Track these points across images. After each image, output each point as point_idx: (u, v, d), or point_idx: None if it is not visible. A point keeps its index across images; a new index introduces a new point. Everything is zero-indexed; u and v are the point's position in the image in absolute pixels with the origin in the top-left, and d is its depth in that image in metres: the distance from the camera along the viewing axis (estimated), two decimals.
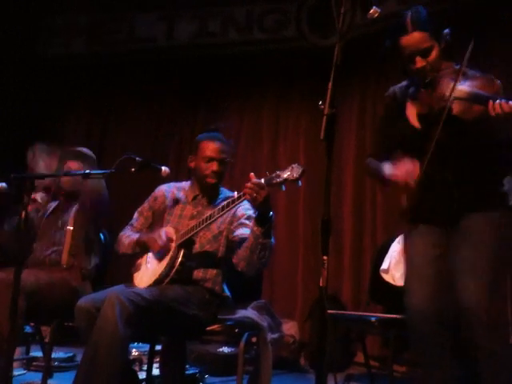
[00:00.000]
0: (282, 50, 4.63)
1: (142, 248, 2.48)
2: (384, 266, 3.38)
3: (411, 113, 2.16)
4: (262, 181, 2.14)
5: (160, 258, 2.40)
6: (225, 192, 2.59)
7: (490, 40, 3.47)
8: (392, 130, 2.20)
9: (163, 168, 2.45)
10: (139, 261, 2.50)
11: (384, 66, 4.30)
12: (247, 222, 2.43)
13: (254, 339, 2.50)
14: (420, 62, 2.07)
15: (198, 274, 2.43)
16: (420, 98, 2.13)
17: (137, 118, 5.10)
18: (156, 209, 2.60)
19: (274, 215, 2.26)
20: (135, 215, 2.65)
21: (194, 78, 4.97)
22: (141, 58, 4.92)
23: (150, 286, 2.34)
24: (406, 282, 2.14)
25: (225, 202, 2.31)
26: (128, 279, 2.48)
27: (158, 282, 2.34)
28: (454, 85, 1.97)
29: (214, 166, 2.48)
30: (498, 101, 1.85)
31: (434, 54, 2.07)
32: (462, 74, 1.99)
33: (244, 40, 4.68)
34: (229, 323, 2.43)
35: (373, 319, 2.98)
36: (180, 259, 2.34)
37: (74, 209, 2.86)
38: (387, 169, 2.10)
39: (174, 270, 2.33)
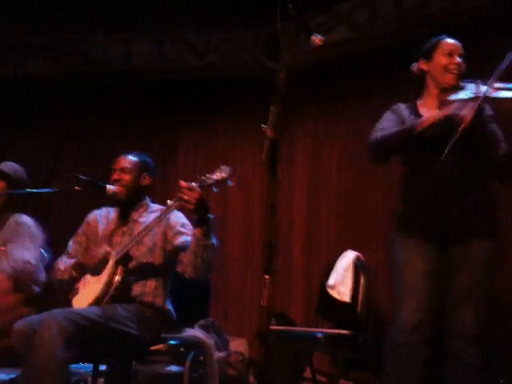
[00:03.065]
0: (237, 76, 4.68)
1: (78, 270, 2.48)
2: (330, 281, 3.46)
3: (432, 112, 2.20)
4: (193, 184, 2.21)
5: (98, 278, 2.39)
6: (155, 206, 2.62)
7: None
8: (395, 124, 2.25)
9: (108, 186, 2.46)
10: (77, 285, 2.49)
11: (338, 90, 4.43)
12: (183, 229, 2.47)
13: (200, 358, 2.50)
14: (459, 60, 2.21)
15: (136, 288, 2.42)
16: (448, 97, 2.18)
17: (91, 143, 5.04)
18: (89, 233, 2.62)
19: (212, 217, 2.31)
20: (70, 243, 2.66)
21: (150, 102, 4.96)
22: (97, 80, 4.87)
23: (89, 305, 2.32)
24: (397, 295, 2.16)
25: (159, 212, 2.35)
26: (67, 305, 2.44)
27: (97, 301, 2.32)
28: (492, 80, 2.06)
29: (114, 176, 2.53)
30: None
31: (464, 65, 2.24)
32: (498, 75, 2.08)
33: (200, 65, 4.71)
34: (174, 342, 2.42)
35: (319, 335, 3.03)
36: (118, 275, 2.34)
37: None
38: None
39: (113, 286, 2.33)
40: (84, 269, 2.45)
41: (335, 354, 3.41)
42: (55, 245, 2.92)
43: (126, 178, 2.53)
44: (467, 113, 2.03)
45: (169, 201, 2.31)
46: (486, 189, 2.19)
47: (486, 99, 2.06)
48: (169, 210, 2.30)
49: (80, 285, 2.48)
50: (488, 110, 2.21)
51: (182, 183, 2.22)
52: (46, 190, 2.32)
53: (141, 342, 2.33)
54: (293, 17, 1.91)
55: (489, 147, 2.16)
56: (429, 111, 2.20)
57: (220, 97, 4.82)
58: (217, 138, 4.92)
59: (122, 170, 2.54)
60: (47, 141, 5.09)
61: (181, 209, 2.38)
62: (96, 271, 2.40)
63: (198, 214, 2.27)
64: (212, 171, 2.22)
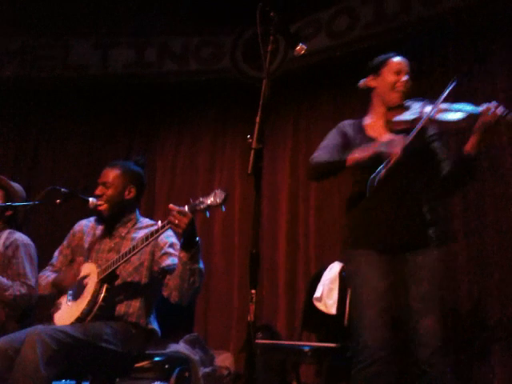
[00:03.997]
0: (217, 81, 4.67)
1: (58, 289, 2.42)
2: (317, 294, 3.43)
3: (378, 132, 2.25)
4: (186, 208, 2.15)
5: (81, 295, 2.33)
6: (144, 221, 2.56)
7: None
8: (339, 146, 2.28)
9: (90, 199, 2.41)
10: (59, 300, 2.43)
11: (316, 99, 4.43)
12: (171, 250, 2.41)
13: (186, 374, 2.45)
14: (406, 79, 2.26)
15: (120, 308, 2.37)
16: (394, 117, 2.23)
17: (69, 148, 4.96)
18: (74, 245, 2.55)
19: (200, 240, 2.26)
20: (55, 254, 2.60)
21: (128, 106, 4.91)
22: (74, 84, 4.81)
23: (72, 323, 2.26)
24: (357, 312, 2.17)
25: (148, 232, 2.28)
26: (47, 320, 2.38)
27: (80, 320, 2.26)
28: (438, 103, 2.12)
29: (97, 190, 2.47)
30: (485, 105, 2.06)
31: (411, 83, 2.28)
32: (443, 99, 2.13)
33: (180, 70, 4.69)
34: (159, 359, 2.38)
35: (306, 348, 3.00)
36: (103, 294, 2.28)
37: None
38: (364, 148, 2.15)
39: (98, 305, 2.27)
40: (65, 286, 2.39)
41: (322, 366, 3.37)
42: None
43: (109, 192, 2.46)
44: (395, 150, 2.06)
45: (159, 222, 2.25)
46: (435, 200, 2.24)
47: (430, 122, 2.12)
48: (158, 232, 2.24)
49: (62, 300, 2.42)
50: (431, 129, 2.26)
51: (172, 206, 2.16)
52: (26, 203, 2.26)
53: (125, 358, 2.28)
54: (275, 24, 1.89)
55: (432, 166, 2.22)
56: (375, 133, 2.25)
57: (199, 102, 4.80)
58: (196, 144, 4.89)
59: (104, 184, 2.47)
60: (24, 144, 4.99)
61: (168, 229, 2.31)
62: (78, 289, 2.34)
63: (187, 238, 2.22)
64: (206, 195, 2.13)
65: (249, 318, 1.64)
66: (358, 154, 2.15)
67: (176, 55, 4.69)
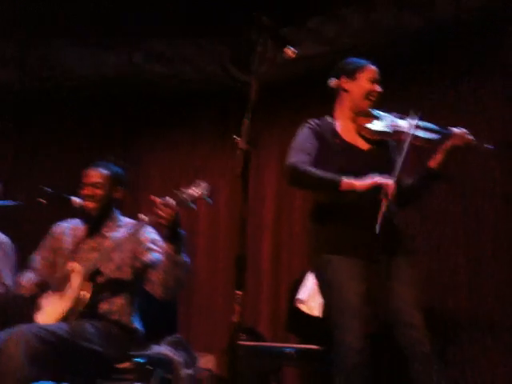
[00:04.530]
0: (206, 85, 4.66)
1: (41, 288, 2.40)
2: (300, 296, 3.43)
3: (352, 137, 2.30)
4: (170, 201, 2.15)
5: (64, 294, 2.32)
6: (125, 220, 2.56)
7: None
8: (316, 149, 2.30)
9: (74, 199, 2.39)
10: (42, 300, 2.41)
11: (303, 105, 4.44)
12: (153, 246, 2.41)
13: (168, 376, 2.44)
14: (380, 90, 2.30)
15: (103, 306, 2.36)
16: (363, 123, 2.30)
17: (51, 152, 4.90)
18: (55, 247, 2.54)
19: (184, 233, 2.26)
20: (34, 257, 2.58)
21: (115, 111, 4.88)
22: (60, 88, 4.76)
23: (56, 321, 2.25)
24: (339, 316, 2.17)
25: (132, 228, 2.28)
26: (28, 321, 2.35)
27: (64, 318, 2.25)
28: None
29: (86, 191, 2.47)
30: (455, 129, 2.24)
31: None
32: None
33: (169, 75, 4.67)
34: (141, 360, 2.36)
35: (289, 351, 3.00)
36: (87, 292, 2.28)
37: None
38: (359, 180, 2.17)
39: (81, 304, 2.27)
40: (47, 286, 2.37)
41: (305, 369, 3.38)
42: (21, 259, 2.83)
43: (99, 192, 2.47)
44: (390, 183, 2.10)
45: (141, 215, 2.25)
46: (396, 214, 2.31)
47: (413, 138, 2.20)
48: (141, 225, 2.24)
49: (43, 300, 2.40)
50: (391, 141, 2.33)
51: (157, 199, 2.16)
52: (10, 202, 2.25)
53: (107, 359, 2.27)
54: (266, 28, 1.90)
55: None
56: (349, 135, 2.29)
57: (187, 107, 4.79)
58: (182, 148, 4.87)
59: (94, 185, 2.46)
60: (19, 151, 4.93)
61: (151, 223, 2.31)
62: (61, 289, 2.32)
63: (171, 230, 2.22)
64: (188, 186, 2.15)
65: (233, 318, 1.64)
66: (356, 183, 2.14)
67: (165, 60, 4.67)
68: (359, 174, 2.15)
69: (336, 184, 2.14)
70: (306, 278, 3.51)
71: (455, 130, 2.22)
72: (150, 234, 2.46)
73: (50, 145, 4.93)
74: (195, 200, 2.13)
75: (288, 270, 4.29)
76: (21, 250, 2.88)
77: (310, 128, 2.34)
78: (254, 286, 4.33)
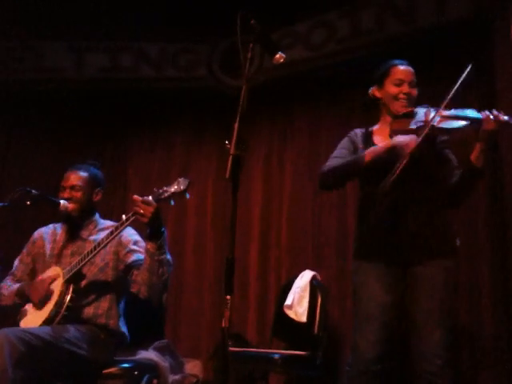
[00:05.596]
0: (193, 89, 4.66)
1: (22, 298, 2.38)
2: (288, 301, 3.44)
3: (383, 140, 2.24)
4: (150, 197, 2.16)
5: (47, 299, 2.30)
6: (105, 223, 2.55)
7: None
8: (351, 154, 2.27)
9: (61, 202, 2.38)
10: (24, 307, 2.39)
11: (291, 110, 4.46)
12: (135, 247, 2.40)
13: (155, 381, 2.42)
14: (408, 89, 2.24)
15: (88, 310, 2.34)
16: (398, 127, 2.22)
17: (39, 152, 4.86)
18: (35, 253, 2.52)
19: (165, 230, 2.26)
20: (15, 263, 2.56)
21: (102, 112, 4.85)
22: (46, 87, 4.72)
23: (40, 326, 2.23)
24: (359, 324, 2.15)
25: (113, 227, 2.27)
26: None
27: (48, 322, 2.23)
28: (441, 108, 2.10)
29: (65, 194, 2.45)
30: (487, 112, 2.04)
31: (416, 90, 2.27)
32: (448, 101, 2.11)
33: (156, 76, 4.66)
34: (127, 365, 2.34)
35: (275, 356, 2.99)
36: (70, 295, 2.26)
37: None
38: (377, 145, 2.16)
39: (65, 306, 2.24)
40: (27, 297, 2.36)
41: (291, 375, 3.37)
42: (5, 261, 2.79)
43: (78, 195, 2.45)
44: (410, 144, 2.07)
45: (123, 216, 2.24)
46: (440, 213, 2.20)
47: (433, 130, 2.10)
48: (123, 225, 2.23)
49: (28, 306, 2.38)
50: (441, 136, 2.24)
51: (136, 197, 2.18)
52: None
53: (93, 364, 2.24)
54: (255, 32, 1.90)
55: (441, 174, 2.21)
56: (381, 140, 2.25)
57: (175, 109, 4.78)
58: (170, 151, 4.86)
59: (73, 187, 2.46)
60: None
61: (133, 223, 2.30)
62: (44, 294, 2.30)
63: (152, 228, 2.22)
64: (169, 184, 2.17)
65: (223, 323, 1.63)
66: (373, 151, 2.14)
67: (152, 61, 4.66)
68: (377, 174, 2.14)
69: (361, 158, 2.16)
70: (294, 284, 3.52)
71: (485, 112, 2.06)
72: (133, 235, 2.45)
73: (25, 145, 4.86)
74: (175, 196, 2.14)
75: (275, 276, 4.29)
76: (6, 252, 2.84)
77: (348, 136, 2.36)
78: (241, 291, 4.32)
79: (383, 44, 3.87)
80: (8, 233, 4.23)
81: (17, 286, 2.43)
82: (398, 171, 2.04)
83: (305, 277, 3.49)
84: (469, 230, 3.48)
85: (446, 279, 2.14)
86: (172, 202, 2.17)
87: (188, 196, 2.15)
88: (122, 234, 2.35)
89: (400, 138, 2.12)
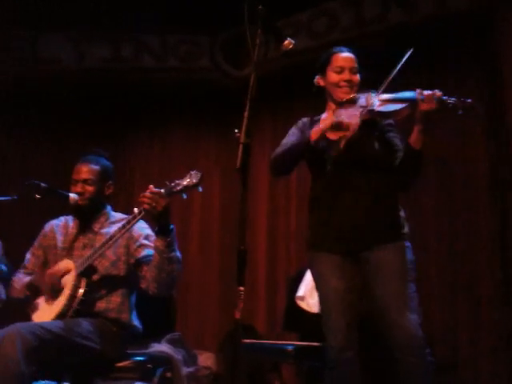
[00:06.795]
0: (195, 79, 4.63)
1: (33, 291, 2.37)
2: (299, 293, 3.41)
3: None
4: (162, 191, 2.13)
5: (60, 292, 2.29)
6: (117, 216, 2.52)
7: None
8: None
9: (71, 195, 2.35)
10: (36, 300, 2.38)
11: (295, 99, 4.43)
12: (146, 241, 2.38)
13: (168, 374, 2.41)
14: (349, 76, 2.24)
15: (100, 304, 2.32)
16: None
17: (39, 152, 4.85)
18: (46, 245, 2.49)
19: (174, 228, 2.24)
20: (27, 256, 2.53)
21: (103, 103, 4.83)
22: (46, 79, 4.70)
23: (52, 319, 2.21)
24: (323, 314, 2.18)
25: (125, 221, 2.25)
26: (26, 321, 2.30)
27: (61, 316, 2.21)
28: (380, 89, 2.13)
29: (77, 188, 2.41)
30: (424, 92, 2.02)
31: (358, 76, 2.27)
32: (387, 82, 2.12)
33: (158, 67, 4.63)
34: (141, 358, 2.32)
35: (288, 348, 2.97)
36: (82, 289, 2.24)
37: None
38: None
39: (77, 300, 2.23)
40: (38, 288, 2.34)
41: (304, 366, 3.35)
42: (14, 255, 2.79)
43: (90, 189, 2.42)
44: (353, 121, 2.07)
45: (135, 209, 2.22)
46: (388, 199, 2.21)
47: (372, 114, 2.12)
48: (135, 218, 2.21)
49: (40, 300, 2.36)
50: (382, 119, 2.25)
51: (152, 187, 2.15)
52: (4, 197, 2.20)
53: (105, 358, 2.23)
54: (261, 18, 1.87)
55: (385, 158, 2.20)
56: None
57: (178, 100, 4.76)
58: (174, 142, 4.84)
59: (86, 181, 2.42)
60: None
61: (144, 218, 2.29)
62: (56, 287, 2.28)
63: (161, 224, 2.20)
64: (181, 177, 2.14)
65: (236, 315, 1.62)
66: (318, 129, 2.14)
67: (153, 52, 4.63)
68: (320, 161, 2.18)
69: (305, 140, 2.17)
70: (305, 274, 3.49)
71: (423, 92, 2.05)
72: (144, 229, 2.42)
73: (25, 137, 4.86)
74: (187, 189, 2.11)
75: (285, 267, 4.28)
76: (16, 246, 2.84)
77: (296, 124, 2.38)
78: (251, 282, 4.31)
79: (387, 33, 3.85)
80: (18, 226, 4.23)
81: (28, 278, 2.42)
82: (345, 140, 2.05)
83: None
84: (470, 230, 3.48)
85: (399, 259, 2.14)
86: (184, 196, 2.14)
87: (201, 189, 2.12)
88: (133, 227, 2.32)
89: (343, 114, 2.12)
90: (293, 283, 3.58)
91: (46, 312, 2.28)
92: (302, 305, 3.35)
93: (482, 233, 3.53)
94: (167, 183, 2.15)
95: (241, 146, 1.69)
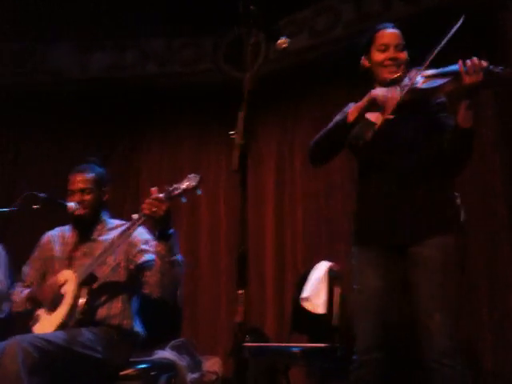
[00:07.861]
0: (199, 83, 4.62)
1: (33, 303, 2.35)
2: (304, 294, 3.39)
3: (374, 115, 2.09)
4: (162, 195, 2.13)
5: (60, 303, 2.26)
6: (114, 222, 2.51)
7: None
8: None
9: (69, 204, 2.34)
10: (37, 312, 2.36)
11: (301, 98, 4.40)
12: (146, 247, 2.37)
13: (173, 381, 2.39)
14: (394, 53, 2.11)
15: (102, 312, 2.31)
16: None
17: (39, 152, 4.84)
18: (44, 257, 2.49)
19: (175, 232, 2.23)
20: (24, 269, 2.53)
21: (110, 110, 4.82)
22: (51, 88, 4.70)
23: (54, 330, 2.20)
24: (355, 313, 2.12)
25: (124, 227, 2.24)
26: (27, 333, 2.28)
27: (62, 326, 2.20)
28: (421, 69, 1.98)
29: (75, 198, 2.40)
30: (467, 61, 1.87)
31: (405, 54, 2.14)
32: (429, 61, 1.98)
33: (162, 72, 4.63)
34: (145, 366, 2.30)
35: (295, 350, 2.95)
36: (83, 298, 2.23)
37: None
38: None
39: (79, 310, 2.21)
40: (39, 301, 2.33)
41: (312, 368, 3.33)
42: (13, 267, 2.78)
43: (89, 198, 2.42)
44: (391, 99, 1.94)
45: (135, 215, 2.20)
46: (439, 186, 2.07)
47: (413, 91, 1.96)
48: (135, 224, 2.20)
49: (40, 312, 2.35)
50: (436, 99, 2.11)
51: (154, 193, 2.15)
52: (2, 209, 2.20)
53: (109, 366, 2.21)
54: (256, 19, 1.85)
55: (434, 140, 2.07)
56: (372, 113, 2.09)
57: (181, 104, 4.74)
58: (180, 146, 4.83)
59: (83, 191, 2.41)
60: (1, 148, 4.86)
61: (144, 223, 2.27)
62: (57, 298, 2.27)
63: (162, 228, 2.18)
64: (179, 180, 2.14)
65: (237, 318, 1.59)
66: (355, 106, 2.03)
67: (157, 57, 4.63)
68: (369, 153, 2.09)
69: (343, 120, 2.05)
70: (310, 275, 3.47)
71: (467, 63, 1.87)
72: (143, 235, 2.42)
73: (33, 146, 4.83)
74: (185, 192, 2.11)
75: (292, 269, 4.24)
76: (15, 257, 2.83)
77: (342, 110, 2.21)
78: (258, 285, 4.28)
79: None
80: (17, 238, 4.23)
81: (27, 291, 2.41)
82: (381, 122, 1.94)
83: (320, 268, 3.44)
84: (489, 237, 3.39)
85: (443, 257, 1.99)
86: (184, 199, 2.14)
87: (200, 192, 2.11)
88: (132, 232, 2.31)
89: (381, 92, 1.99)
90: (299, 285, 3.56)
91: (47, 323, 2.26)
92: (307, 306, 3.33)
93: None
94: (166, 188, 2.15)
95: (237, 148, 1.66)
